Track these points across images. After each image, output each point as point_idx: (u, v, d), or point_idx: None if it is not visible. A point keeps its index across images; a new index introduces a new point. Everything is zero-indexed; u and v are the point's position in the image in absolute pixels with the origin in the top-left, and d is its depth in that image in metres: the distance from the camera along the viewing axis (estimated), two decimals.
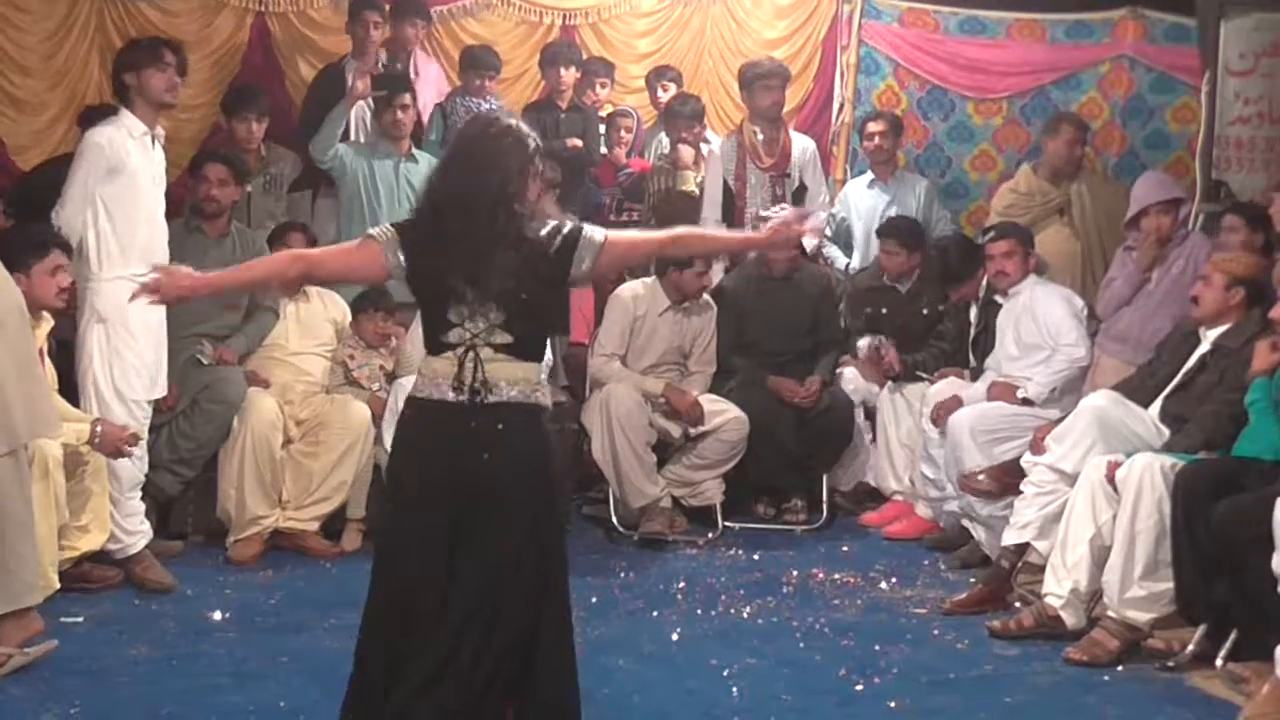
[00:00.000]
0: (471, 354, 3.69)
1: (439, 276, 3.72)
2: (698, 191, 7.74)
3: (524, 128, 3.85)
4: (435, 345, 3.75)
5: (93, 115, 6.35)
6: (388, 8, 7.78)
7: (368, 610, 3.79)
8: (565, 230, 3.75)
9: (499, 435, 3.72)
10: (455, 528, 3.69)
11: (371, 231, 3.84)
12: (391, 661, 3.69)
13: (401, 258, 3.73)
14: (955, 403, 6.52)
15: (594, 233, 3.77)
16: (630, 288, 7.02)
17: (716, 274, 7.45)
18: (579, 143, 7.80)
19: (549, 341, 3.99)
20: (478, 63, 7.68)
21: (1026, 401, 6.30)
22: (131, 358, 5.63)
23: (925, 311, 7.33)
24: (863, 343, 7.25)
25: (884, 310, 7.39)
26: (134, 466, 5.67)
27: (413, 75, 7.72)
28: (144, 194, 5.66)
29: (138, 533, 5.68)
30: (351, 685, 3.79)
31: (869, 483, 7.30)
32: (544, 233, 3.73)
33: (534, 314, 3.77)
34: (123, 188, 5.58)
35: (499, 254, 3.68)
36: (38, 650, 4.70)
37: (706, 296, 7.10)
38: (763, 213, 7.17)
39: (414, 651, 3.64)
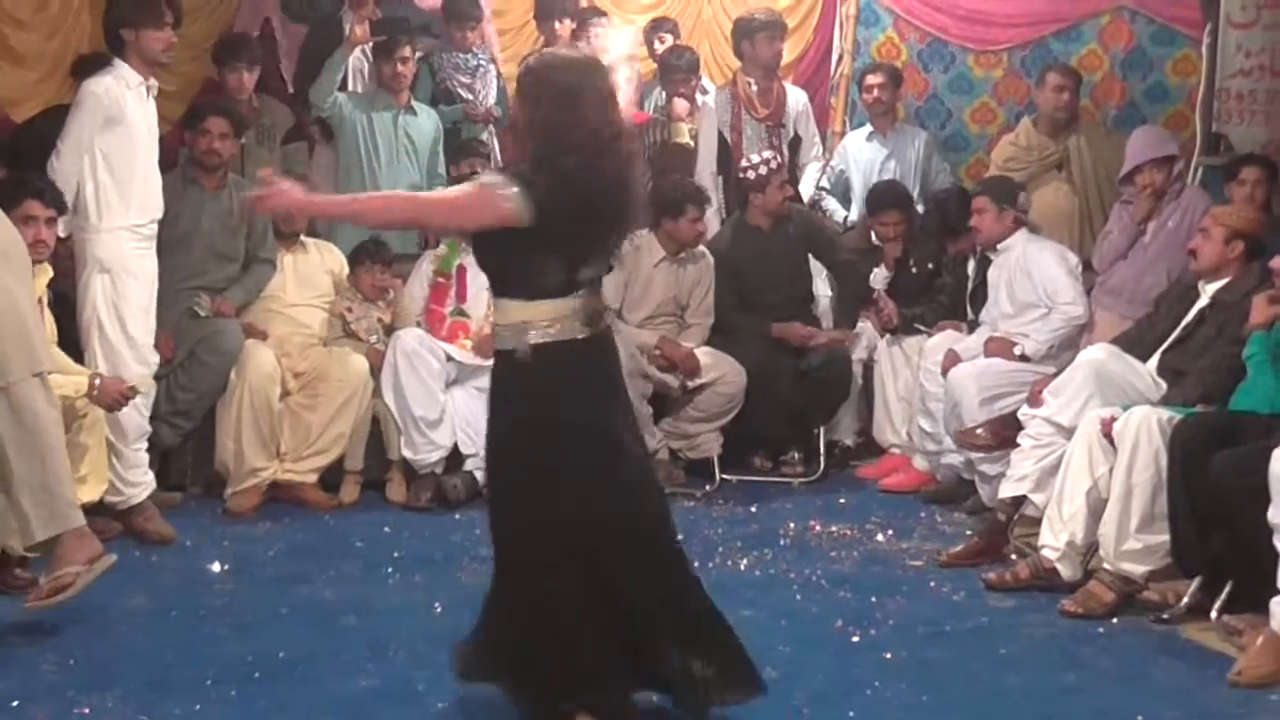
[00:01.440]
0: (593, 290, 3.86)
1: (588, 219, 3.77)
2: (692, 143, 7.73)
3: (592, 59, 3.97)
4: (562, 286, 3.79)
5: (86, 65, 6.33)
6: None
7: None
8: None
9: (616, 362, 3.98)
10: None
11: (486, 179, 3.85)
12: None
13: (531, 205, 3.68)
14: (953, 358, 6.54)
15: None
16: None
17: (713, 224, 7.45)
18: None
19: None
20: (459, 14, 7.64)
21: (1024, 358, 6.31)
22: (135, 305, 5.64)
23: (915, 270, 7.34)
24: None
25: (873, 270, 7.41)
26: (139, 417, 5.69)
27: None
28: (141, 145, 5.66)
29: (140, 484, 5.70)
30: None
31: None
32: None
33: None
34: (121, 138, 5.56)
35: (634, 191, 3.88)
36: (101, 565, 4.63)
37: (701, 247, 7.09)
38: (743, 163, 7.18)
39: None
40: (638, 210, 3.93)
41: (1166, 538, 5.07)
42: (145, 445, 5.77)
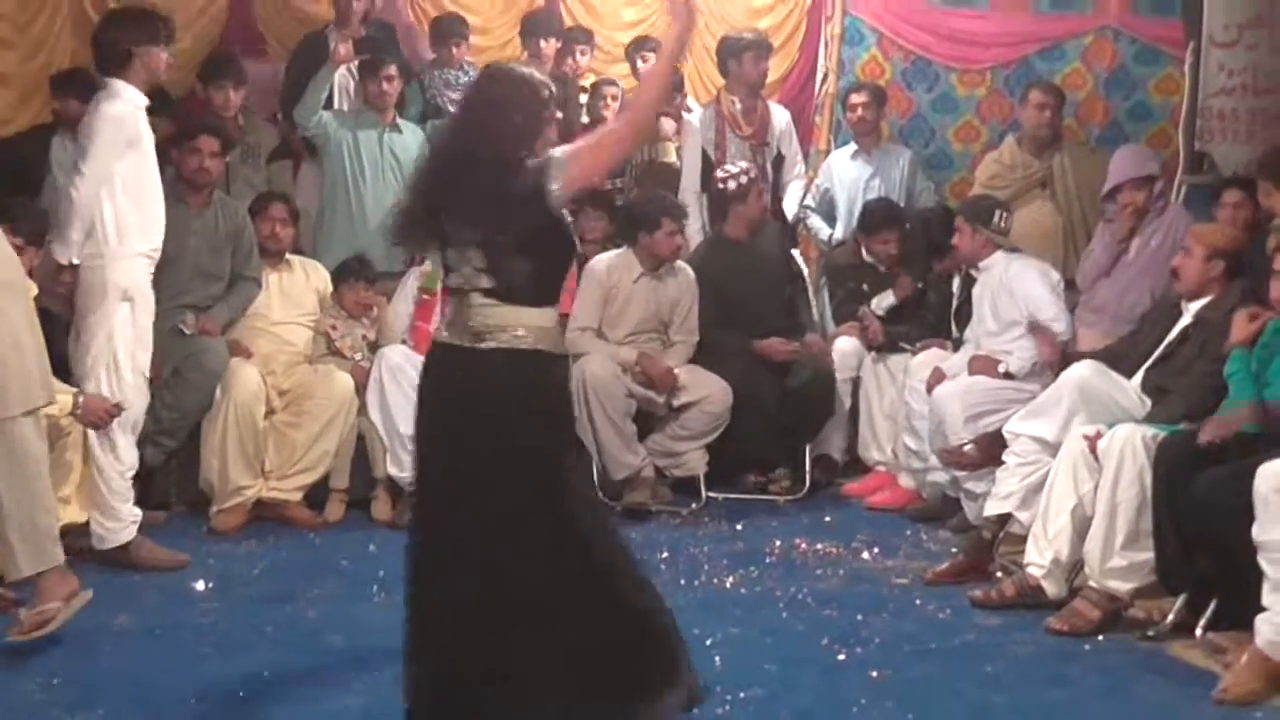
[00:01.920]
0: (463, 299, 3.86)
1: (442, 221, 3.88)
2: (678, 162, 7.74)
3: (539, 76, 3.97)
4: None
5: (67, 83, 6.32)
6: None
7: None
8: (535, 164, 3.80)
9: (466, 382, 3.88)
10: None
11: None
12: None
13: None
14: (939, 376, 6.55)
15: (556, 152, 3.82)
16: (603, 259, 7.01)
17: (696, 241, 7.46)
18: (559, 114, 7.77)
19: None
20: (447, 32, 7.67)
21: (1008, 375, 6.32)
22: (147, 334, 5.57)
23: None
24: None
25: (865, 286, 7.43)
26: (131, 449, 5.62)
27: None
28: (153, 166, 5.57)
29: (130, 520, 5.60)
30: None
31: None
32: (523, 175, 3.80)
33: (517, 256, 3.80)
34: (137, 161, 5.46)
35: (479, 197, 3.80)
36: (79, 602, 4.67)
37: (682, 263, 7.09)
38: (718, 173, 7.20)
39: None
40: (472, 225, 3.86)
41: (1151, 555, 5.08)
42: (130, 483, 5.64)
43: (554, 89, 4.01)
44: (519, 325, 3.80)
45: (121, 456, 5.54)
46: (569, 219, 4.02)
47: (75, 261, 5.40)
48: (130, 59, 5.48)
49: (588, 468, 3.93)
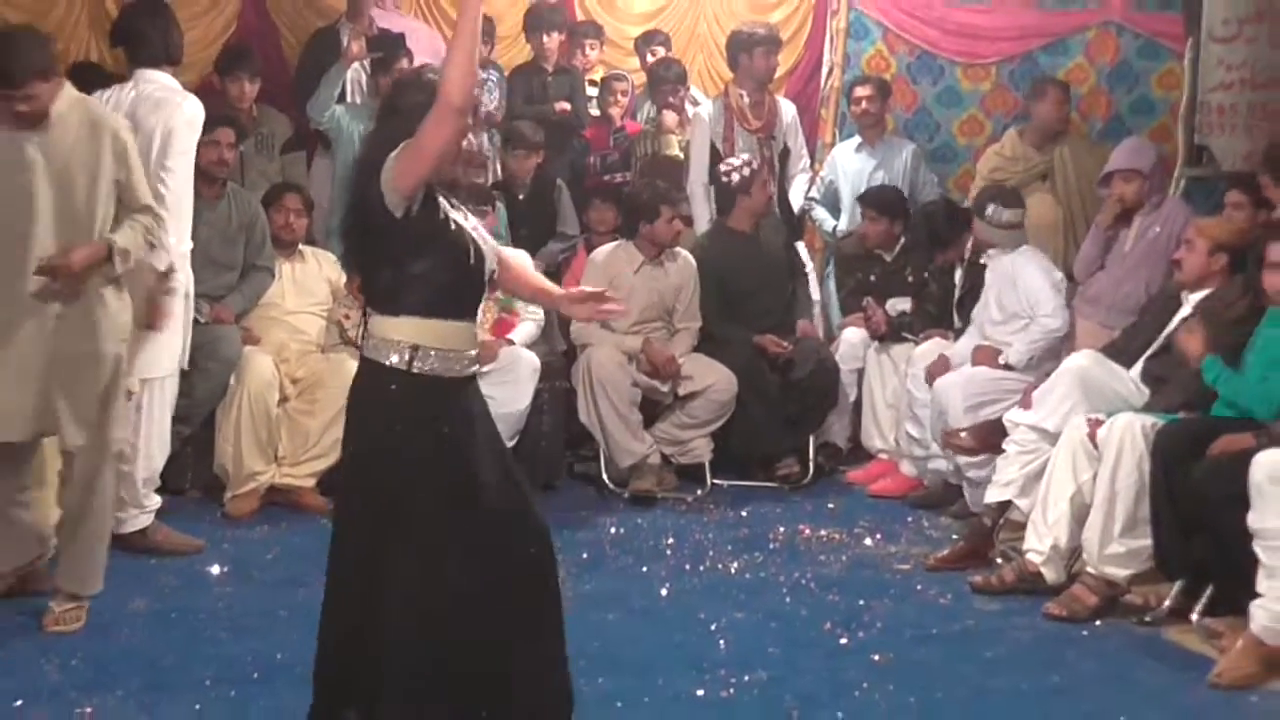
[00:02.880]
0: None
1: None
2: (682, 155, 7.75)
3: (433, 76, 3.67)
4: None
5: (84, 75, 6.31)
6: None
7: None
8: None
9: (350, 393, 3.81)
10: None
11: None
12: None
13: None
14: (944, 363, 6.58)
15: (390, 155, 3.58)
16: (602, 251, 7.03)
17: (703, 227, 7.49)
18: (567, 106, 7.81)
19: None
20: None
21: (1008, 366, 6.33)
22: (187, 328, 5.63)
23: (910, 278, 7.36)
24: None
25: (871, 277, 7.44)
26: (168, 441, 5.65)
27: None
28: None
29: (150, 508, 5.61)
30: None
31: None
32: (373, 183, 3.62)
33: (375, 266, 3.70)
34: (190, 159, 5.49)
35: (352, 207, 3.70)
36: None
37: (682, 251, 7.11)
38: (721, 167, 7.21)
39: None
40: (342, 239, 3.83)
41: (1149, 542, 5.10)
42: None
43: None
44: (376, 334, 3.67)
45: (164, 447, 5.61)
46: (454, 225, 3.66)
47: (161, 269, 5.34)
48: (173, 49, 5.50)
49: (442, 491, 3.56)
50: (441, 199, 3.69)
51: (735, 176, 7.13)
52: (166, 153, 5.30)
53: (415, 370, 3.61)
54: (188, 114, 5.35)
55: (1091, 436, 5.28)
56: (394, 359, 3.62)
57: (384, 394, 3.65)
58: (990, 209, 6.55)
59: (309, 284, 6.72)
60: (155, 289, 5.31)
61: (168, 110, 5.29)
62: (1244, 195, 6.07)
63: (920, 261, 7.34)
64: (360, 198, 3.65)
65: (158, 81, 5.38)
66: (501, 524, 3.70)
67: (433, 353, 3.62)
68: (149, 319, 5.27)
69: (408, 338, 3.62)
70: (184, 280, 5.50)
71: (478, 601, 3.65)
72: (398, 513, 3.62)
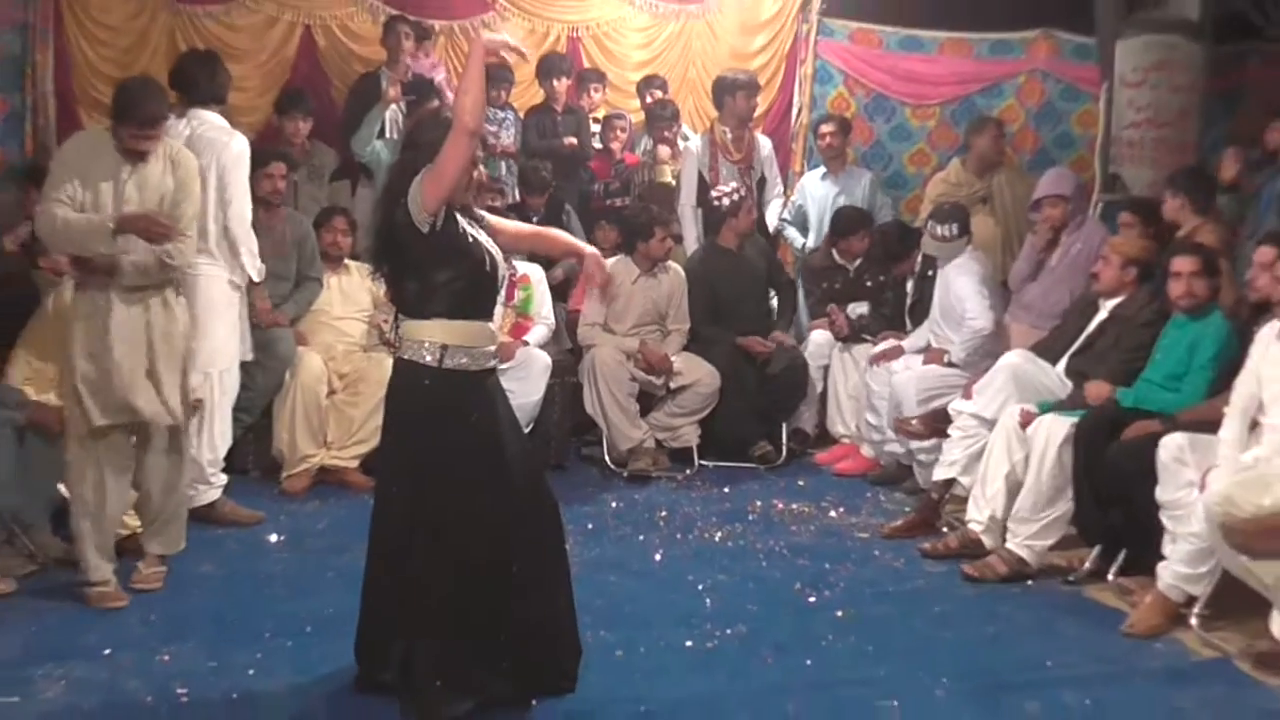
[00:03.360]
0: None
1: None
2: (674, 182, 7.75)
3: (448, 114, 3.76)
4: None
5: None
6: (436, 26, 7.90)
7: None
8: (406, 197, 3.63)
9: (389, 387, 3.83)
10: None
11: None
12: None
13: None
14: (896, 351, 6.59)
15: (414, 183, 3.60)
16: (606, 264, 7.01)
17: (691, 244, 7.48)
18: (574, 141, 7.80)
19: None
20: (493, 77, 7.65)
21: (952, 364, 6.33)
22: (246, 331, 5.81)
23: (869, 284, 7.36)
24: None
25: (836, 285, 7.43)
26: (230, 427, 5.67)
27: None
28: None
29: (218, 485, 5.62)
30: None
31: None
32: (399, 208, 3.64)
33: (403, 277, 3.73)
34: (246, 189, 5.54)
35: (380, 228, 3.73)
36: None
37: (674, 264, 7.10)
38: (713, 192, 7.21)
39: None
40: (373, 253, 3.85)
41: (1065, 512, 5.12)
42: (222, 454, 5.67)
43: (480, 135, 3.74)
44: (409, 337, 3.70)
45: (227, 433, 5.62)
46: (471, 239, 3.70)
47: (257, 279, 5.58)
48: (223, 92, 5.55)
49: (469, 481, 3.65)
50: (459, 216, 3.70)
51: (725, 201, 7.12)
52: (225, 189, 5.36)
53: (446, 366, 3.64)
54: (235, 151, 5.38)
55: (1025, 422, 5.28)
56: (427, 357, 3.64)
57: (419, 387, 3.66)
58: (930, 225, 6.55)
59: (353, 293, 6.70)
60: (255, 296, 5.82)
61: (217, 149, 5.33)
62: (1134, 216, 6.09)
63: (876, 271, 7.33)
64: (388, 219, 3.68)
65: (209, 121, 5.39)
66: (521, 494, 3.72)
67: (460, 349, 3.64)
68: (256, 319, 5.87)
69: (437, 338, 3.64)
70: (235, 286, 5.54)
71: (501, 560, 3.67)
72: (432, 488, 3.64)
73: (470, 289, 3.70)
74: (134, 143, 4.53)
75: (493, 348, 3.78)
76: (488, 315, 3.77)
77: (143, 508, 4.84)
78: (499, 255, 3.81)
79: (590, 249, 4.14)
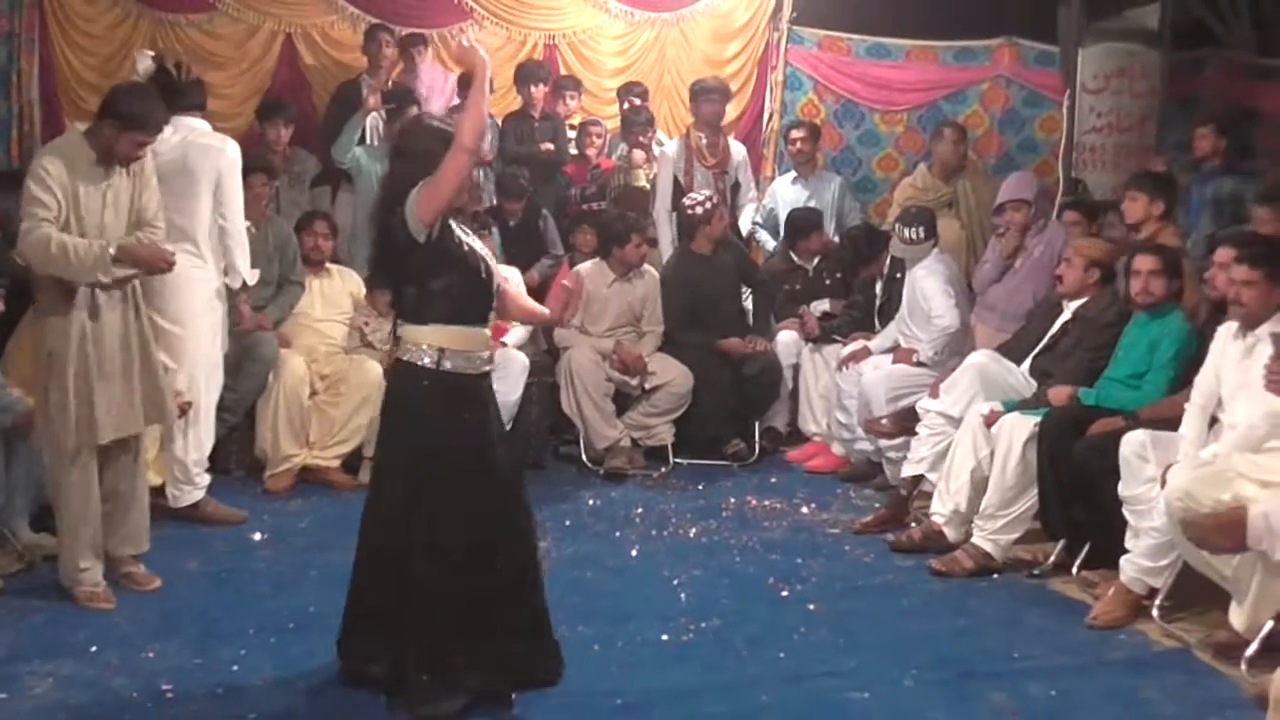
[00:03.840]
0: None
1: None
2: (648, 186, 7.75)
3: (438, 126, 3.77)
4: None
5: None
6: (401, 33, 7.82)
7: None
8: (403, 207, 3.66)
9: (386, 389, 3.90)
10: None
11: None
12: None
13: None
14: (864, 352, 6.62)
15: (411, 194, 3.63)
16: (580, 269, 6.99)
17: (667, 253, 7.48)
18: (551, 147, 7.80)
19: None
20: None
21: (921, 363, 6.35)
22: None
23: (829, 282, 7.42)
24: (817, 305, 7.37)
25: (797, 285, 7.46)
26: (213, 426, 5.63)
27: (420, 87, 7.69)
28: None
29: (201, 485, 5.58)
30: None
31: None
32: (396, 217, 3.67)
33: (402, 282, 3.77)
34: (240, 195, 5.54)
35: (378, 235, 3.79)
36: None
37: (649, 268, 7.10)
38: (685, 200, 7.21)
39: None
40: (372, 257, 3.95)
41: (1030, 507, 5.14)
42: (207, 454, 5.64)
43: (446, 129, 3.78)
44: (408, 340, 3.74)
45: (210, 433, 5.58)
46: (467, 247, 3.74)
47: (251, 283, 5.57)
48: (204, 99, 5.55)
49: (466, 471, 3.72)
50: (455, 225, 3.71)
51: (698, 210, 7.10)
52: (223, 196, 5.36)
53: (443, 369, 3.69)
54: (230, 157, 5.38)
55: (990, 422, 5.30)
56: (425, 360, 3.69)
57: (418, 389, 3.72)
58: (897, 228, 6.59)
59: (334, 296, 6.68)
60: (238, 300, 5.76)
61: (214, 155, 5.32)
62: (1078, 214, 6.13)
63: (835, 269, 7.38)
64: (385, 229, 3.71)
65: (196, 127, 5.36)
66: (506, 492, 3.79)
67: (456, 353, 3.70)
68: (239, 322, 5.78)
69: (435, 342, 3.69)
70: (220, 288, 5.51)
71: (489, 556, 3.71)
72: (427, 484, 3.68)
73: (466, 295, 3.74)
74: (133, 150, 4.47)
75: (488, 352, 3.82)
76: (483, 321, 3.81)
77: (117, 512, 4.71)
78: (493, 262, 3.85)
79: (543, 311, 4.45)
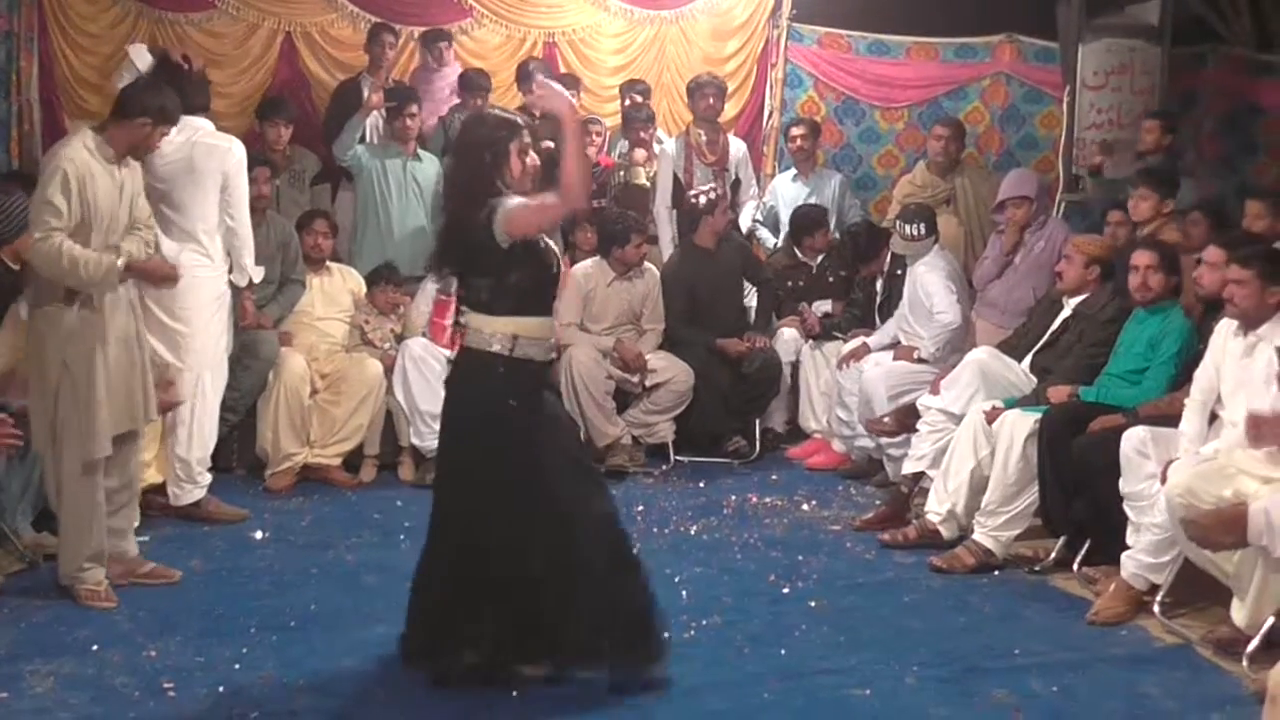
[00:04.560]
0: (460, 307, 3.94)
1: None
2: (648, 184, 7.73)
3: (498, 115, 3.93)
4: None
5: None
6: (417, 33, 7.90)
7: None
8: (489, 206, 3.75)
9: (454, 375, 3.96)
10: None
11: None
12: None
13: None
14: (863, 349, 6.61)
15: (510, 202, 3.76)
16: (581, 267, 7.00)
17: (667, 250, 7.48)
18: (551, 144, 7.76)
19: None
20: (472, 85, 7.65)
21: (923, 360, 6.35)
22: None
23: (832, 280, 7.42)
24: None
25: (800, 283, 7.46)
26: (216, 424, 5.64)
27: (443, 86, 7.74)
28: None
29: (203, 483, 5.58)
30: None
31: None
32: (483, 210, 3.74)
33: (475, 275, 3.85)
34: (246, 194, 5.58)
35: (449, 228, 3.88)
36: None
37: (649, 265, 7.10)
38: (691, 191, 7.21)
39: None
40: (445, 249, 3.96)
41: (1031, 504, 5.14)
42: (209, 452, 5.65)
43: (522, 120, 3.99)
44: (478, 329, 3.85)
45: (214, 431, 5.59)
46: (544, 244, 3.90)
47: (256, 281, 5.58)
48: (209, 100, 5.55)
49: (546, 447, 3.85)
50: None
51: (702, 200, 7.09)
52: (231, 195, 5.39)
53: (517, 355, 3.81)
54: (237, 156, 5.41)
55: (991, 420, 5.30)
56: (497, 347, 3.80)
57: (492, 374, 3.83)
58: (898, 225, 6.59)
59: (335, 295, 6.68)
60: (243, 297, 5.76)
61: (220, 155, 5.35)
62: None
63: (838, 268, 7.37)
64: (460, 223, 3.82)
65: (201, 127, 5.37)
66: (584, 470, 3.99)
67: (529, 341, 3.83)
68: (242, 318, 5.78)
69: (508, 330, 3.81)
70: (226, 288, 5.51)
71: (565, 542, 3.83)
72: (502, 467, 3.79)
73: (537, 288, 3.91)
74: (158, 141, 4.57)
75: (553, 339, 3.98)
76: (550, 310, 3.97)
77: (113, 508, 4.67)
78: (560, 254, 4.04)
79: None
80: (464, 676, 3.86)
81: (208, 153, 5.29)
